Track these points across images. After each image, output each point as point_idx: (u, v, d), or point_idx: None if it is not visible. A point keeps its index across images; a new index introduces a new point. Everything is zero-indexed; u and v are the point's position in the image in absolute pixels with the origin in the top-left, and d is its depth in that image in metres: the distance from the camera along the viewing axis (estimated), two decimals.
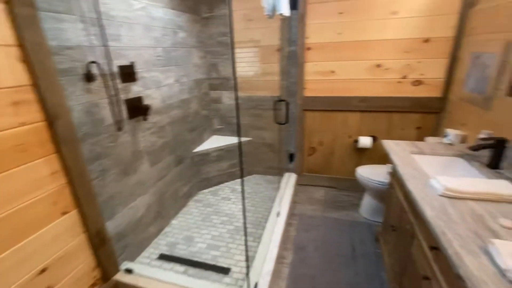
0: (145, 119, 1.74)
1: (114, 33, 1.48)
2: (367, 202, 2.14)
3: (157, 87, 1.88)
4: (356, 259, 1.73)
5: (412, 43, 1.99)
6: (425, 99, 2.10)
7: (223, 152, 2.61)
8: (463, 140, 1.72)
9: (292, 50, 2.25)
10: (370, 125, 2.31)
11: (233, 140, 2.71)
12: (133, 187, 1.70)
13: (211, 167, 2.61)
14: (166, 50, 1.96)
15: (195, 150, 2.48)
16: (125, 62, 1.56)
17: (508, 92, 1.28)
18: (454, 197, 1.00)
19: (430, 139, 2.00)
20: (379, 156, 2.38)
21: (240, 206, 2.32)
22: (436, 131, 2.16)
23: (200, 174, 2.57)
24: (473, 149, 1.28)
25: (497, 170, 1.22)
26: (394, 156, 1.44)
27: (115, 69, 1.49)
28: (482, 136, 1.38)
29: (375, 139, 2.33)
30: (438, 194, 1.04)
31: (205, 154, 2.53)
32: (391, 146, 1.59)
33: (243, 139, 2.76)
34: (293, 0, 1.99)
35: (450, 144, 1.64)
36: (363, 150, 2.41)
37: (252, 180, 2.76)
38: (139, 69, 1.69)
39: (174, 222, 2.15)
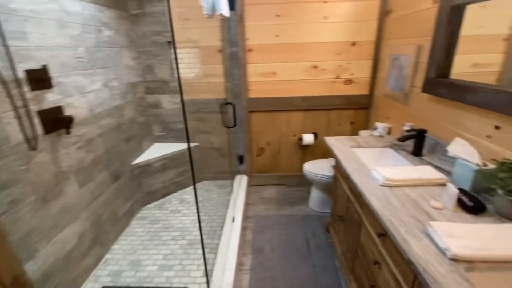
0: (68, 133, 1.46)
1: (16, 30, 1.19)
2: (315, 195, 2.27)
3: (81, 93, 1.61)
4: (311, 252, 1.81)
5: (342, 46, 2.18)
6: (355, 96, 2.33)
7: (167, 161, 2.42)
8: (389, 131, 1.97)
9: (234, 51, 2.21)
10: (311, 123, 2.45)
11: (177, 146, 2.53)
12: (58, 216, 1.41)
13: (155, 179, 2.39)
14: (89, 50, 1.69)
15: (134, 162, 2.23)
16: (34, 65, 1.28)
17: (422, 89, 1.49)
18: (393, 185, 1.12)
19: (363, 133, 2.23)
20: (321, 151, 2.55)
21: (192, 218, 2.18)
22: (367, 125, 2.42)
23: (142, 188, 2.33)
24: (400, 140, 1.46)
25: (420, 157, 1.42)
26: (337, 152, 1.54)
27: (21, 74, 1.20)
28: (406, 128, 1.59)
29: (316, 135, 2.48)
30: (379, 184, 1.14)
31: (147, 165, 2.29)
32: (333, 142, 1.70)
33: (190, 144, 2.60)
34: (231, 1, 1.95)
35: (380, 136, 1.85)
36: (307, 146, 2.54)
37: (202, 187, 2.64)
38: (55, 74, 1.41)
39: (115, 247, 1.88)
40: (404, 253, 0.77)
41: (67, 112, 1.48)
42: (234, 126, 2.08)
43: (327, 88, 2.32)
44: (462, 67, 1.31)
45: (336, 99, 2.34)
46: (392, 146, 1.62)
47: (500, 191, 0.87)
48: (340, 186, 1.61)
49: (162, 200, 2.45)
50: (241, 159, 2.63)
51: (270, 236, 1.97)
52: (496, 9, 1.14)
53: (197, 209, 1.27)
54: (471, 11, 1.23)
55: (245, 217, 2.21)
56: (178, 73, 2.17)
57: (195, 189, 1.27)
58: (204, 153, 2.65)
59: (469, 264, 0.71)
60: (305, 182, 2.67)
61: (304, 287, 1.55)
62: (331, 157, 2.38)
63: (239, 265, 1.71)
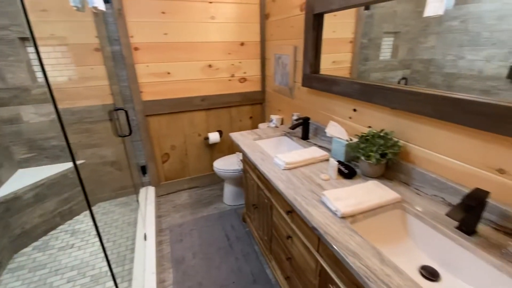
0: None
1: None
2: (228, 191, 2.34)
3: None
4: (232, 245, 1.87)
5: (232, 46, 2.30)
6: (251, 93, 2.51)
7: (43, 189, 1.92)
8: (282, 122, 2.24)
9: (115, 50, 1.95)
10: (215, 121, 2.49)
11: (54, 169, 2.05)
12: None
13: (29, 214, 1.86)
14: None
15: None
16: None
17: (302, 83, 1.77)
18: (292, 168, 1.29)
19: (262, 125, 2.44)
20: (228, 147, 2.64)
21: (91, 249, 1.83)
22: (264, 118, 2.67)
23: (11, 230, 1.77)
24: (291, 128, 1.69)
25: (308, 140, 1.69)
26: (243, 146, 1.63)
27: None
28: (294, 117, 1.85)
29: (221, 133, 2.54)
30: (282, 169, 1.29)
31: (13, 200, 1.75)
32: (238, 137, 1.79)
33: (72, 163, 2.15)
34: None
35: (276, 127, 2.08)
36: (214, 145, 2.57)
37: (98, 211, 2.24)
38: None
39: None
40: (309, 222, 0.92)
41: None
42: (130, 134, 1.86)
43: (224, 87, 2.40)
44: (326, 64, 1.62)
45: (234, 97, 2.46)
46: (286, 134, 1.86)
47: (362, 157, 1.15)
48: (250, 177, 1.72)
49: (44, 238, 1.94)
50: (143, 170, 2.39)
51: (190, 243, 1.90)
52: (343, 18, 1.47)
53: (99, 236, 1.08)
54: (327, 19, 1.54)
55: (159, 231, 2.04)
56: (45, 76, 1.74)
57: (91, 213, 1.08)
58: (94, 171, 2.25)
59: (352, 218, 0.92)
60: (217, 180, 2.70)
61: (230, 281, 1.59)
62: (238, 151, 2.50)
63: (161, 282, 1.58)
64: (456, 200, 0.94)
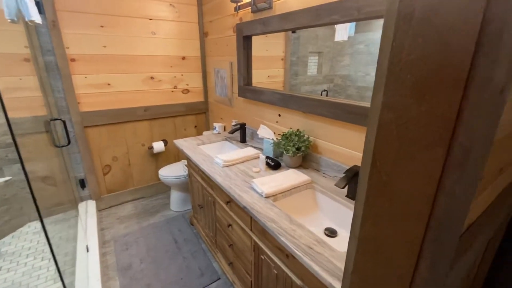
0: None
1: None
2: (175, 197, 2.42)
3: None
4: (180, 247, 1.96)
5: (174, 60, 2.45)
6: (194, 103, 2.68)
7: None
8: (224, 128, 2.45)
9: (49, 61, 1.92)
10: (159, 131, 2.56)
11: None
12: None
13: None
14: None
15: None
16: None
17: (238, 94, 2.02)
18: (230, 165, 1.50)
19: (206, 133, 2.62)
20: (173, 155, 2.72)
21: (23, 269, 1.70)
22: (208, 126, 2.84)
23: None
24: (230, 133, 1.91)
25: (245, 143, 1.94)
26: (186, 150, 1.79)
27: None
28: (233, 123, 2.09)
29: (166, 142, 2.62)
30: (221, 166, 1.49)
31: None
32: (182, 143, 1.93)
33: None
34: (37, 4, 1.70)
35: (218, 133, 2.28)
36: (159, 154, 2.63)
37: (29, 231, 2.07)
38: None
39: None
40: (240, 203, 1.13)
41: None
42: (68, 143, 1.83)
43: (167, 97, 2.51)
44: (262, 78, 1.89)
45: (178, 107, 2.58)
46: (227, 139, 2.07)
47: (284, 152, 1.43)
48: (195, 179, 1.87)
49: None
50: (82, 183, 2.31)
51: (136, 250, 1.92)
52: (274, 39, 1.74)
53: (52, 249, 1.09)
54: (259, 39, 1.81)
55: (103, 243, 2.00)
56: None
57: (42, 225, 1.09)
58: (22, 187, 2.08)
59: (274, 197, 1.17)
60: (164, 189, 2.74)
61: (179, 278, 1.68)
62: (183, 159, 2.60)
63: None
64: None
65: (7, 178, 2.01)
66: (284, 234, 0.91)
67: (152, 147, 2.51)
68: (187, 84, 2.59)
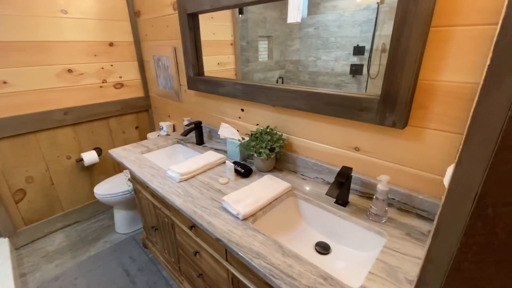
0: None
1: None
2: (120, 217, 1.99)
3: None
4: (135, 280, 1.60)
5: (98, 46, 1.93)
6: (132, 100, 2.21)
7: None
8: (174, 128, 2.08)
9: None
10: (89, 138, 2.05)
11: None
12: None
13: None
14: None
15: None
16: None
17: (187, 86, 1.68)
18: (189, 178, 1.20)
19: (151, 135, 2.20)
20: (111, 166, 2.24)
21: None
22: (153, 126, 2.41)
23: None
24: (183, 135, 1.58)
25: (204, 145, 1.63)
26: (127, 163, 1.40)
27: None
28: (185, 123, 1.74)
29: (100, 151, 2.12)
30: (177, 181, 1.18)
31: None
32: (120, 154, 1.52)
33: None
34: None
35: (167, 134, 1.91)
36: (92, 166, 2.12)
37: None
38: None
39: None
40: (212, 234, 0.86)
41: None
42: None
43: (95, 95, 2.00)
44: (211, 66, 1.60)
45: (111, 105, 2.09)
46: (179, 141, 1.73)
47: (255, 155, 1.19)
48: (143, 196, 1.50)
49: None
50: None
51: None
52: (220, 21, 1.47)
53: None
54: (204, 21, 1.50)
55: None
56: None
57: None
58: None
59: (253, 217, 0.92)
60: (104, 208, 2.26)
61: None
62: (125, 169, 2.15)
63: None
64: (331, 178, 1.10)
65: None
66: (279, 276, 0.69)
67: (81, 159, 1.99)
68: (120, 77, 2.10)
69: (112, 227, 2.06)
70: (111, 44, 1.99)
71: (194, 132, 1.64)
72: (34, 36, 1.66)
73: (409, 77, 0.77)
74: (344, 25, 0.97)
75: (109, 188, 1.83)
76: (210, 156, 1.36)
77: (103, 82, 2.02)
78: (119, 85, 2.11)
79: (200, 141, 1.64)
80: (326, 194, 0.87)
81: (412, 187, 0.91)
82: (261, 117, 1.35)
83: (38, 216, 1.93)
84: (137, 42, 2.11)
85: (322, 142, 1.12)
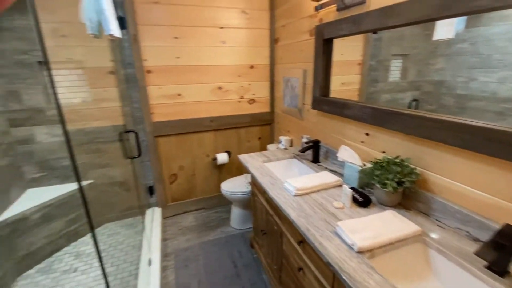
0: None
1: None
2: (236, 213, 2.28)
3: None
4: (240, 273, 1.79)
5: (242, 69, 2.34)
6: (259, 114, 2.52)
7: (51, 209, 1.91)
8: (292, 143, 2.21)
9: (129, 73, 2.01)
10: (223, 142, 2.48)
11: (63, 188, 2.05)
12: None
13: (35, 235, 1.84)
14: None
15: None
16: None
17: (311, 106, 1.76)
18: (303, 194, 1.25)
19: (270, 147, 2.42)
20: (236, 168, 2.61)
21: (95, 273, 1.78)
22: (272, 139, 2.65)
23: (16, 251, 1.74)
24: (301, 151, 1.66)
25: (319, 164, 1.65)
26: (252, 169, 1.60)
27: None
28: (304, 140, 1.82)
29: (230, 154, 2.52)
30: (292, 195, 1.24)
31: (20, 220, 1.74)
32: (247, 159, 1.76)
33: (82, 183, 2.15)
34: (121, 20, 1.79)
35: (285, 148, 2.05)
36: (222, 165, 2.55)
37: (104, 232, 2.20)
38: None
39: None
40: (323, 256, 0.86)
41: None
42: (139, 156, 1.86)
43: (233, 108, 2.41)
44: (335, 86, 1.61)
45: (243, 118, 2.46)
46: (296, 156, 1.82)
47: (378, 185, 1.10)
48: (258, 200, 1.67)
49: (49, 260, 1.90)
50: (151, 190, 2.37)
51: (195, 270, 1.83)
52: (351, 41, 1.47)
53: (100, 261, 1.04)
54: (336, 42, 1.55)
55: (164, 255, 1.98)
56: (56, 98, 1.79)
57: (94, 236, 1.05)
58: (102, 191, 2.24)
59: (370, 252, 0.85)
60: (224, 202, 2.65)
61: None
62: (246, 173, 2.46)
63: None
64: (483, 235, 0.86)
65: (90, 181, 2.19)
66: None
67: (216, 159, 2.44)
68: (254, 94, 2.45)
69: (228, 220, 2.39)
70: (251, 67, 2.36)
71: (311, 150, 1.68)
72: (201, 61, 2.20)
73: None
74: None
75: (232, 186, 2.15)
76: (325, 177, 1.36)
77: (240, 98, 2.41)
78: (252, 101, 2.46)
79: (315, 159, 1.67)
80: (476, 253, 0.70)
81: None
82: (389, 144, 1.23)
83: (181, 196, 2.50)
84: (272, 65, 2.41)
85: (475, 187, 0.90)
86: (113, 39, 1.63)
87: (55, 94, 1.16)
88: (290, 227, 1.22)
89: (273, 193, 1.28)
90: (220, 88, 2.31)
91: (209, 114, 2.34)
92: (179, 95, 2.21)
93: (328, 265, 0.83)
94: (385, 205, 1.12)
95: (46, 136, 2.00)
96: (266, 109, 2.54)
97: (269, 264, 1.65)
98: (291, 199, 1.22)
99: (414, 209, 1.09)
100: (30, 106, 1.91)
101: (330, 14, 1.52)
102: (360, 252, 0.85)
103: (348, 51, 1.51)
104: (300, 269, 1.16)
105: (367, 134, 1.38)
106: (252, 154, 1.86)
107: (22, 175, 1.99)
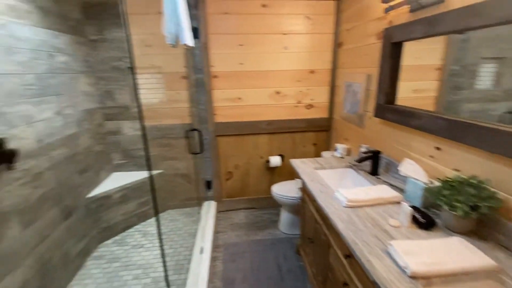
0: (10, 168, 1.31)
1: None
2: (284, 217, 2.28)
3: (28, 123, 1.46)
4: (283, 277, 1.79)
5: (302, 73, 2.34)
6: (316, 119, 2.47)
7: (128, 191, 2.26)
8: (349, 152, 2.10)
9: (199, 78, 2.23)
10: (277, 145, 2.52)
11: (139, 175, 2.40)
12: None
13: (114, 212, 2.20)
14: (41, 77, 1.57)
15: (90, 195, 2.04)
16: None
17: (374, 113, 1.64)
18: (355, 206, 1.18)
19: (325, 154, 2.35)
20: (288, 172, 2.61)
21: (156, 252, 2.03)
22: (328, 146, 2.56)
23: (99, 223, 2.12)
24: (358, 161, 1.56)
25: (377, 176, 1.53)
26: (302, 174, 1.59)
27: None
28: (363, 149, 1.72)
29: (283, 157, 2.54)
30: (343, 206, 1.19)
31: (105, 197, 2.12)
32: (299, 165, 1.76)
33: (153, 172, 2.48)
34: (195, 30, 2.00)
35: (341, 157, 1.96)
36: (274, 168, 2.59)
37: (167, 217, 2.49)
38: None
39: None
40: (370, 275, 0.81)
41: (12, 144, 1.33)
42: (201, 152, 2.05)
43: (290, 112, 2.43)
44: (405, 92, 1.47)
45: (299, 122, 2.46)
46: (351, 166, 1.73)
47: (445, 207, 0.97)
48: (307, 207, 1.65)
49: (123, 234, 2.25)
50: (208, 185, 2.57)
51: (242, 265, 1.91)
52: (429, 44, 1.32)
53: (161, 243, 1.19)
54: (409, 45, 1.42)
55: (215, 246, 2.12)
56: (137, 98, 2.13)
57: (158, 220, 1.20)
58: (169, 180, 2.54)
59: (426, 280, 0.76)
60: (274, 204, 2.68)
61: None
62: (298, 178, 2.44)
63: None
64: None
65: (160, 171, 2.50)
66: None
67: (269, 161, 2.49)
68: (312, 99, 2.42)
69: (277, 223, 2.41)
70: (312, 72, 2.34)
71: (369, 160, 1.57)
72: (262, 67, 2.29)
73: None
74: None
75: (282, 190, 2.16)
76: (383, 191, 1.26)
77: (298, 103, 2.41)
78: (309, 106, 2.44)
79: (374, 171, 1.55)
80: None
81: None
82: (465, 162, 1.07)
83: (234, 194, 2.63)
84: (334, 69, 2.34)
85: None
86: (187, 48, 1.84)
87: (137, 94, 1.39)
88: (337, 239, 1.17)
89: (321, 200, 1.25)
90: (278, 92, 2.36)
91: (266, 117, 2.41)
92: (239, 98, 2.34)
93: (374, 284, 0.78)
94: (452, 230, 0.98)
95: (130, 129, 2.38)
96: (324, 114, 2.48)
97: (314, 274, 1.61)
98: (341, 209, 1.17)
99: (492, 240, 0.92)
100: (120, 103, 2.31)
101: (401, 15, 1.40)
102: (414, 277, 0.76)
103: (424, 55, 1.37)
104: (345, 284, 1.11)
105: (438, 148, 1.22)
106: (305, 159, 1.84)
107: (110, 161, 2.41)
